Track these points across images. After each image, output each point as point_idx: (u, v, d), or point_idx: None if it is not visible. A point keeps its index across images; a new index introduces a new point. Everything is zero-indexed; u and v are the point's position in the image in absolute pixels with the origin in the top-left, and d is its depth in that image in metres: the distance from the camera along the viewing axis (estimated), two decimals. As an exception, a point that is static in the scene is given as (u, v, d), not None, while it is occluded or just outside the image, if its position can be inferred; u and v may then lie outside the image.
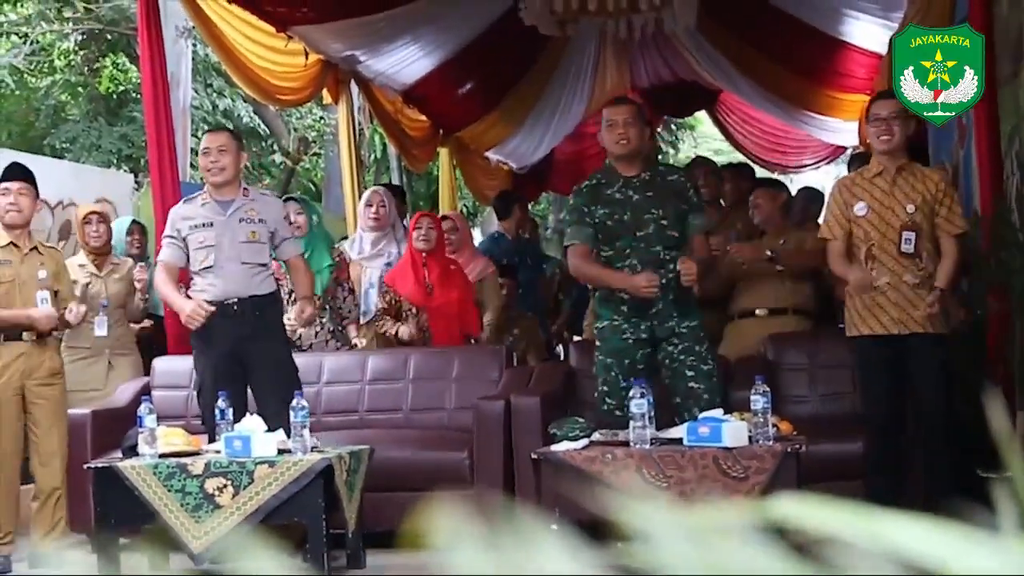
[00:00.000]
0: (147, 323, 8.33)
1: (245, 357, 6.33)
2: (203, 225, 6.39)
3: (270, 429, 5.88)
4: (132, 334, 8.15)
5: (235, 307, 6.29)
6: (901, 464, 5.94)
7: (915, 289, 5.85)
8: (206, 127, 15.00)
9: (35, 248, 6.88)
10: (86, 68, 15.15)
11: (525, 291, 9.72)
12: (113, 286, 7.92)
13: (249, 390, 6.42)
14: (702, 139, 24.01)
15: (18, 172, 6.92)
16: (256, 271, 6.37)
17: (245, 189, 6.52)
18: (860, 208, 5.94)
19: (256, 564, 0.59)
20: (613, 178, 6.05)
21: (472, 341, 8.11)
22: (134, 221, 8.60)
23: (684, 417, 5.68)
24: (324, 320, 7.99)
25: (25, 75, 14.68)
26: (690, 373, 5.87)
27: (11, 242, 6.79)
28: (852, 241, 6.00)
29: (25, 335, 6.76)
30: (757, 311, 7.63)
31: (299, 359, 7.17)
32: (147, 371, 7.84)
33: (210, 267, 6.34)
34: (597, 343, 6.12)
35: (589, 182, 6.18)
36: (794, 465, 5.27)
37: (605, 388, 5.98)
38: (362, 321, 8.44)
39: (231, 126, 15.06)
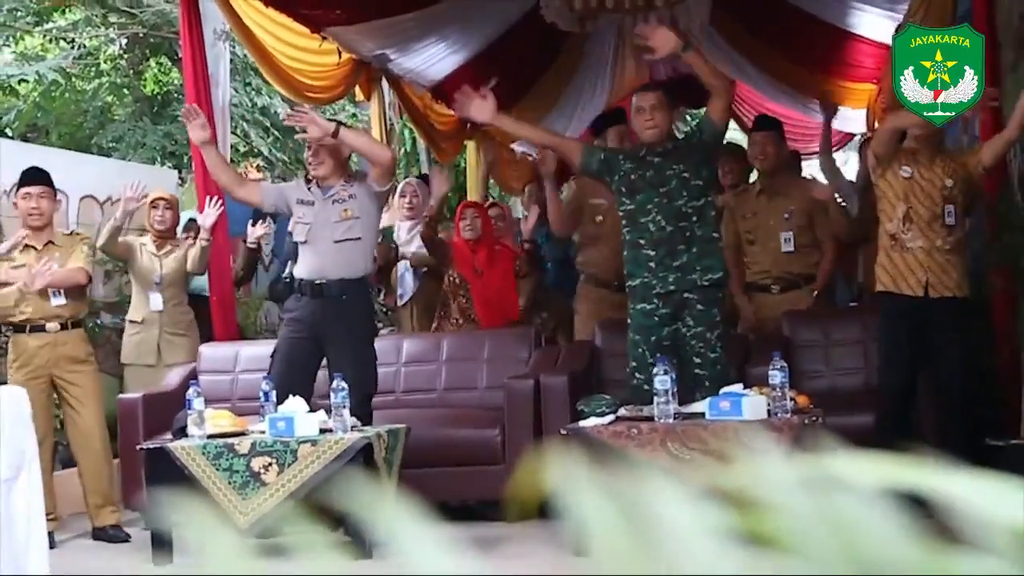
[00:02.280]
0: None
1: (324, 339, 6.30)
2: (306, 203, 6.41)
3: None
4: (189, 317, 8.07)
5: (323, 287, 6.27)
6: (910, 434, 5.90)
7: (947, 255, 5.82)
8: (245, 124, 15.02)
9: (50, 242, 6.90)
10: (131, 70, 15.16)
11: (556, 272, 9.70)
12: (169, 265, 7.91)
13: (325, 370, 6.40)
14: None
15: (37, 176, 6.92)
16: (350, 248, 6.31)
17: (349, 176, 6.47)
18: (905, 171, 5.93)
19: (303, 538, 0.59)
20: (642, 147, 6.16)
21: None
22: (191, 219, 8.59)
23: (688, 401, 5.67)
24: None
25: (73, 78, 14.70)
26: (697, 360, 5.89)
27: (27, 244, 6.83)
28: (891, 200, 5.97)
29: (48, 325, 6.79)
30: (772, 288, 7.58)
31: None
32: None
33: (304, 242, 6.37)
34: (629, 312, 6.14)
35: (627, 147, 6.42)
36: (812, 436, 5.24)
37: (634, 363, 6.03)
38: (400, 304, 8.52)
39: (268, 123, 15.07)
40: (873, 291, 6.13)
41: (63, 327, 6.85)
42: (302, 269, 6.40)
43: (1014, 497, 0.55)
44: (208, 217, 7.83)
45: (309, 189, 6.44)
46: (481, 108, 6.22)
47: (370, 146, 6.55)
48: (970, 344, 5.91)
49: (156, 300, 7.86)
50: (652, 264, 5.97)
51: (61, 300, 6.81)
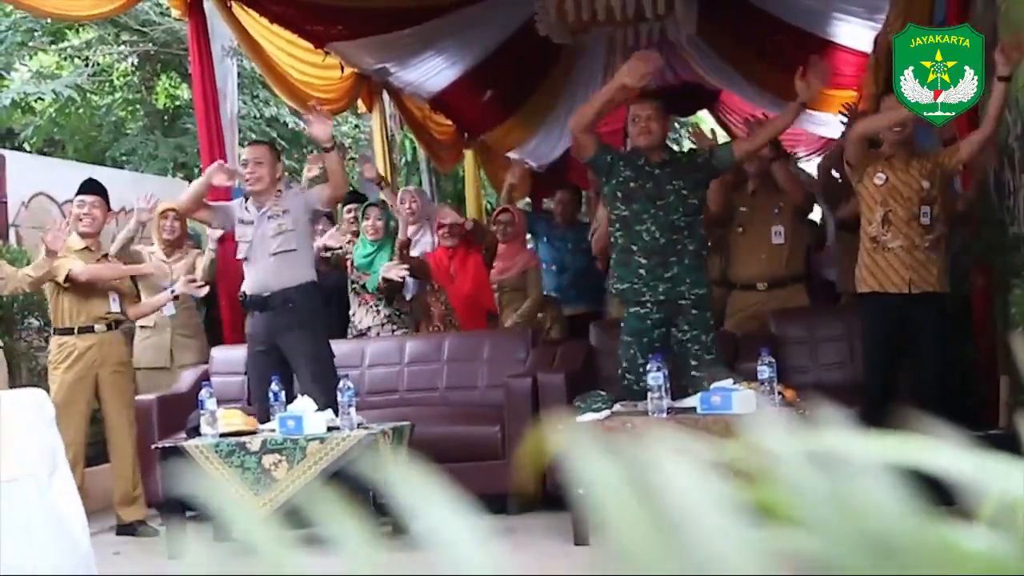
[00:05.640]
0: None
1: (283, 347, 6.36)
2: (246, 222, 6.48)
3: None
4: (196, 320, 8.10)
5: (268, 300, 6.35)
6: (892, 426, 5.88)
7: (927, 252, 5.83)
8: (253, 135, 15.02)
9: (105, 255, 6.98)
10: (143, 86, 15.17)
11: (556, 278, 9.70)
12: (179, 271, 7.88)
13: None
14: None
15: (92, 187, 7.04)
16: (288, 261, 6.36)
17: (279, 191, 6.48)
18: (879, 178, 5.93)
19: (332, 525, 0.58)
20: (642, 155, 6.07)
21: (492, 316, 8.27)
22: None
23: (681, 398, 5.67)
24: (380, 307, 8.08)
25: (88, 94, 14.71)
26: (694, 362, 5.87)
27: (86, 247, 6.90)
28: (869, 204, 5.98)
29: (97, 327, 6.84)
30: (758, 285, 7.58)
31: (344, 345, 7.22)
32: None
33: (246, 259, 6.46)
34: (623, 318, 6.13)
35: (628, 152, 6.26)
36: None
37: (625, 364, 5.99)
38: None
39: (276, 133, 15.07)
40: (855, 293, 6.12)
41: (108, 328, 6.91)
42: (247, 284, 6.50)
43: (1010, 472, 0.54)
44: (215, 231, 7.84)
45: (247, 209, 6.51)
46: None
47: (342, 176, 6.55)
48: (946, 337, 5.92)
49: (169, 305, 7.85)
50: (643, 272, 5.94)
51: (117, 307, 6.92)
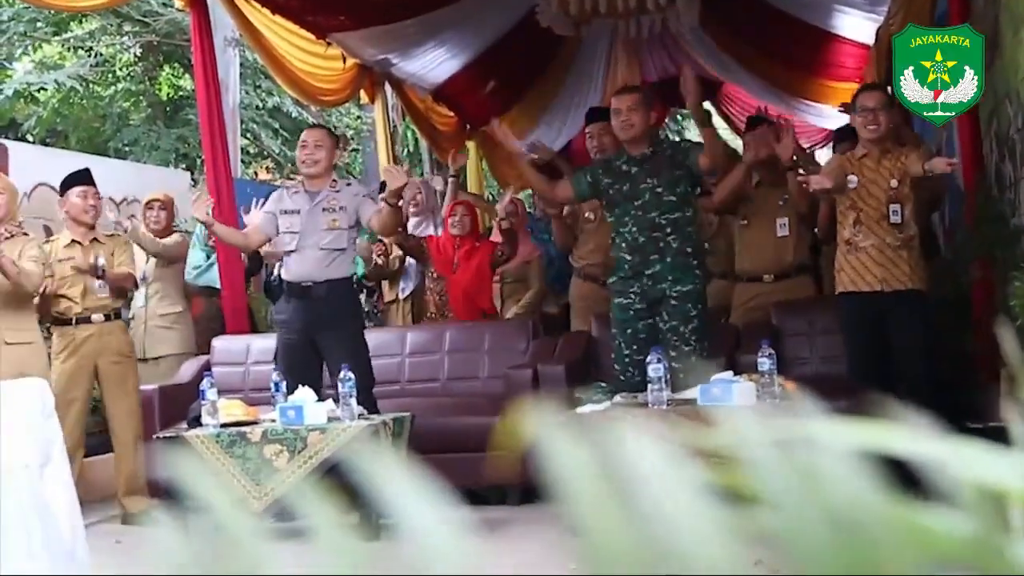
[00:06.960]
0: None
1: (318, 338, 6.31)
2: (292, 212, 6.41)
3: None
4: (177, 310, 7.97)
5: (310, 289, 6.28)
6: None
7: (897, 251, 5.92)
8: (255, 125, 15.03)
9: (95, 239, 6.96)
10: (145, 77, 15.17)
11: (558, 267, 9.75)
12: (151, 262, 7.88)
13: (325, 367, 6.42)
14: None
15: (89, 177, 7.02)
16: (333, 256, 6.32)
17: (334, 181, 6.44)
18: (851, 181, 5.98)
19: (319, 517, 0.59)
20: (622, 155, 6.18)
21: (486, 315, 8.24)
22: None
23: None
24: (361, 300, 8.11)
25: (91, 85, 14.72)
26: (673, 354, 5.89)
27: (73, 240, 6.89)
28: (842, 210, 6.06)
29: (94, 316, 6.85)
30: (764, 277, 7.59)
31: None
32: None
33: (293, 251, 6.37)
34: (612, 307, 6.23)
35: (605, 157, 6.47)
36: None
37: (613, 355, 6.13)
38: (402, 296, 8.55)
39: (278, 124, 15.07)
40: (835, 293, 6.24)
41: (107, 318, 6.91)
42: (289, 272, 6.43)
43: (982, 457, 0.55)
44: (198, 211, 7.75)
45: (295, 195, 6.46)
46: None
47: (393, 228, 6.66)
48: (930, 332, 5.96)
49: (138, 296, 7.85)
50: (627, 267, 6.03)
51: (105, 292, 6.88)
